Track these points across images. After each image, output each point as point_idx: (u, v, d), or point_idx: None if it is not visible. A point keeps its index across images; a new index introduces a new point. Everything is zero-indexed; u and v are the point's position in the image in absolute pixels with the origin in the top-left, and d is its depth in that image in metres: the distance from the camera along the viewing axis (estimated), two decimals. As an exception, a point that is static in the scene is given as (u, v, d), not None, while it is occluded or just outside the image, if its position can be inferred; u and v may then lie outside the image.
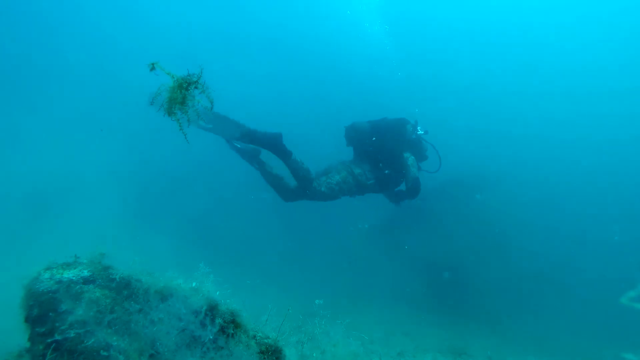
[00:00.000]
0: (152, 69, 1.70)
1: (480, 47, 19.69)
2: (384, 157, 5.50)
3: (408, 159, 5.51)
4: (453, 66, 19.38)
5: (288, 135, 4.85)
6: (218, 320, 1.81)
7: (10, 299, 1.79)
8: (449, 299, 7.51)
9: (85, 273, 1.84)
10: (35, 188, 7.43)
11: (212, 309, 1.83)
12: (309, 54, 18.23)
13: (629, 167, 15.98)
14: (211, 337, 1.78)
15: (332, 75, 17.91)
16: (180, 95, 1.75)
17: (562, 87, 18.76)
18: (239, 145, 4.99)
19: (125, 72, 12.63)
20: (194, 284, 1.89)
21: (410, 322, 6.25)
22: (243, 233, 9.42)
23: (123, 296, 1.83)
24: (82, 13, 15.23)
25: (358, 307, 6.52)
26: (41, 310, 1.70)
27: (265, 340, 1.91)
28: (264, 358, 1.86)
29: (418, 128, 5.87)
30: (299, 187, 5.06)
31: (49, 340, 1.65)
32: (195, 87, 1.77)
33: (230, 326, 1.83)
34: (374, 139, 5.50)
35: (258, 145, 4.79)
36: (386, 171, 5.53)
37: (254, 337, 1.89)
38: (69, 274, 1.81)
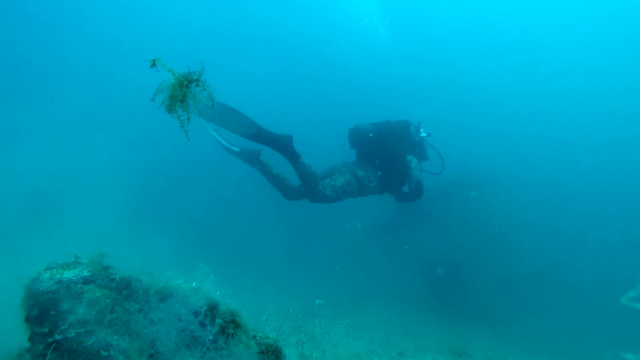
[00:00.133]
0: (153, 65, 1.69)
1: (480, 47, 19.69)
2: (387, 160, 5.51)
3: (411, 162, 5.54)
4: (453, 65, 19.37)
5: (288, 133, 4.84)
6: (218, 320, 1.81)
7: (10, 299, 1.79)
8: (449, 299, 7.52)
9: (85, 273, 1.84)
10: (35, 188, 7.43)
11: (212, 309, 1.83)
12: (308, 52, 18.22)
13: (629, 167, 15.98)
14: (211, 337, 1.78)
15: (332, 74, 17.92)
16: (181, 93, 1.74)
17: (562, 87, 18.76)
18: (237, 149, 4.98)
19: (126, 71, 12.64)
20: (194, 284, 1.89)
21: (410, 322, 6.25)
22: (243, 233, 9.43)
23: (123, 296, 1.83)
24: (82, 12, 15.24)
25: (358, 307, 6.52)
26: (41, 310, 1.70)
27: (265, 340, 1.91)
28: (264, 358, 1.86)
29: (421, 130, 5.90)
30: (303, 187, 5.06)
31: (49, 340, 1.65)
32: (197, 85, 1.76)
33: (230, 326, 1.83)
34: (370, 135, 5.51)
35: (268, 145, 4.75)
36: (389, 174, 5.54)
37: (254, 337, 1.89)
38: (69, 274, 1.81)
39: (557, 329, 7.20)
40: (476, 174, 10.46)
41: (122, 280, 1.86)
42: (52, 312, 1.69)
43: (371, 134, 5.51)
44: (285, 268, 8.00)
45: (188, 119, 1.80)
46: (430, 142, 6.05)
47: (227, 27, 17.56)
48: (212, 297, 1.86)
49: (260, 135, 4.63)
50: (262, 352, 1.86)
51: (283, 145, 4.73)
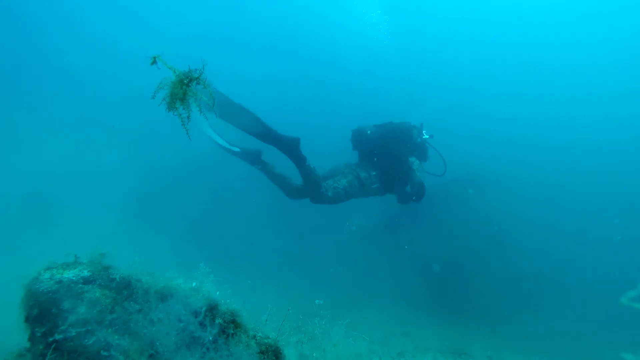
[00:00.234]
0: (154, 62, 1.68)
1: (480, 47, 19.69)
2: (389, 161, 5.51)
3: (413, 164, 5.55)
4: (452, 65, 19.37)
5: (288, 133, 4.83)
6: (218, 321, 1.81)
7: (10, 299, 1.79)
8: (449, 299, 7.51)
9: (85, 273, 1.84)
10: (35, 188, 7.44)
11: (212, 309, 1.83)
12: (308, 51, 18.22)
13: (629, 166, 15.97)
14: (211, 338, 1.78)
15: (332, 74, 17.91)
16: (182, 91, 1.74)
17: (562, 87, 18.76)
18: (237, 150, 4.98)
19: (126, 71, 12.64)
20: (194, 284, 1.88)
21: (410, 322, 6.25)
22: (243, 233, 9.42)
23: (123, 296, 1.83)
24: (82, 12, 15.24)
25: (358, 307, 6.51)
26: (41, 310, 1.70)
27: (265, 340, 1.91)
28: (264, 358, 1.86)
29: (423, 132, 5.92)
30: (305, 187, 5.06)
31: (49, 340, 1.65)
32: (197, 83, 1.76)
33: (230, 326, 1.83)
34: (368, 132, 5.51)
35: (275, 146, 4.73)
36: (391, 175, 5.55)
37: (254, 337, 1.89)
38: (69, 274, 1.81)
39: (557, 329, 7.20)
40: (476, 173, 10.46)
41: (122, 280, 1.86)
42: (52, 312, 1.69)
43: (369, 131, 5.51)
44: (285, 268, 8.00)
45: (188, 117, 1.80)
46: (432, 144, 6.07)
47: (227, 27, 17.56)
48: (212, 297, 1.85)
49: (268, 136, 4.61)
50: (262, 352, 1.86)
51: (290, 148, 4.72)
